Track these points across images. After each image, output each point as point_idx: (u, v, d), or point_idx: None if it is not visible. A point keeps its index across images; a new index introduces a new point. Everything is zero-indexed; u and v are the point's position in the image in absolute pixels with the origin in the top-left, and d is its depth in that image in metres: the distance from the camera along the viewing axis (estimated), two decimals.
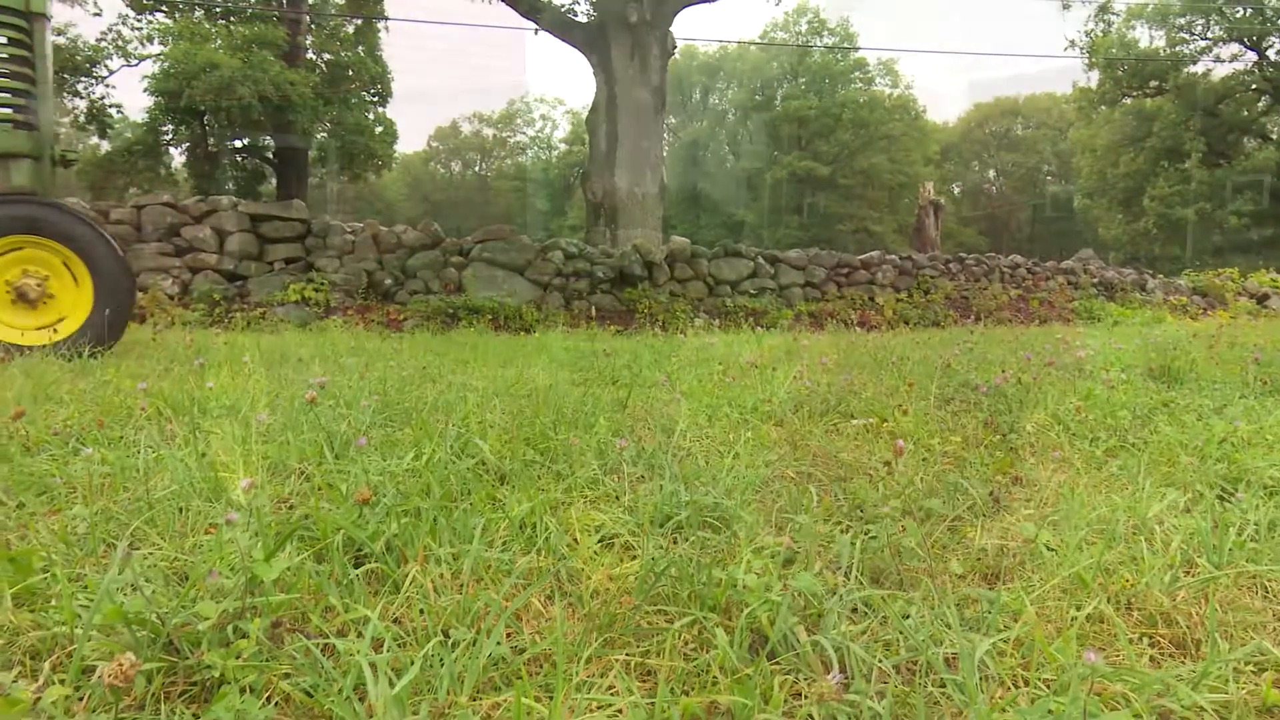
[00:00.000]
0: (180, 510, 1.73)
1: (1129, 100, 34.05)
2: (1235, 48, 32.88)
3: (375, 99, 23.85)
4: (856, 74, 49.00)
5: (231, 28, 19.11)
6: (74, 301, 4.72)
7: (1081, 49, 17.88)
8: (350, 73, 22.90)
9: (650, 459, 2.23)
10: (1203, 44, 33.41)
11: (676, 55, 15.93)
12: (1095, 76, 33.36)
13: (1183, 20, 33.40)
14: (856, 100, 47.30)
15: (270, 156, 22.29)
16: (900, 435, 2.90)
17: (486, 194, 54.93)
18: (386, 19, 22.79)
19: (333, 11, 24.03)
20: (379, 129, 23.56)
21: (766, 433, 2.83)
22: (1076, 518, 1.89)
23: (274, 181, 22.63)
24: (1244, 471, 2.37)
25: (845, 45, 47.00)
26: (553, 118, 64.93)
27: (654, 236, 13.91)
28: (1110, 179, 34.36)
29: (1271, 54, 32.16)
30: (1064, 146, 52.79)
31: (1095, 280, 15.53)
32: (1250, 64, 32.68)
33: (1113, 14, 17.04)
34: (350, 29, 24.02)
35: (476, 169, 58.07)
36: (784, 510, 1.86)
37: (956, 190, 60.29)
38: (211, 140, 21.27)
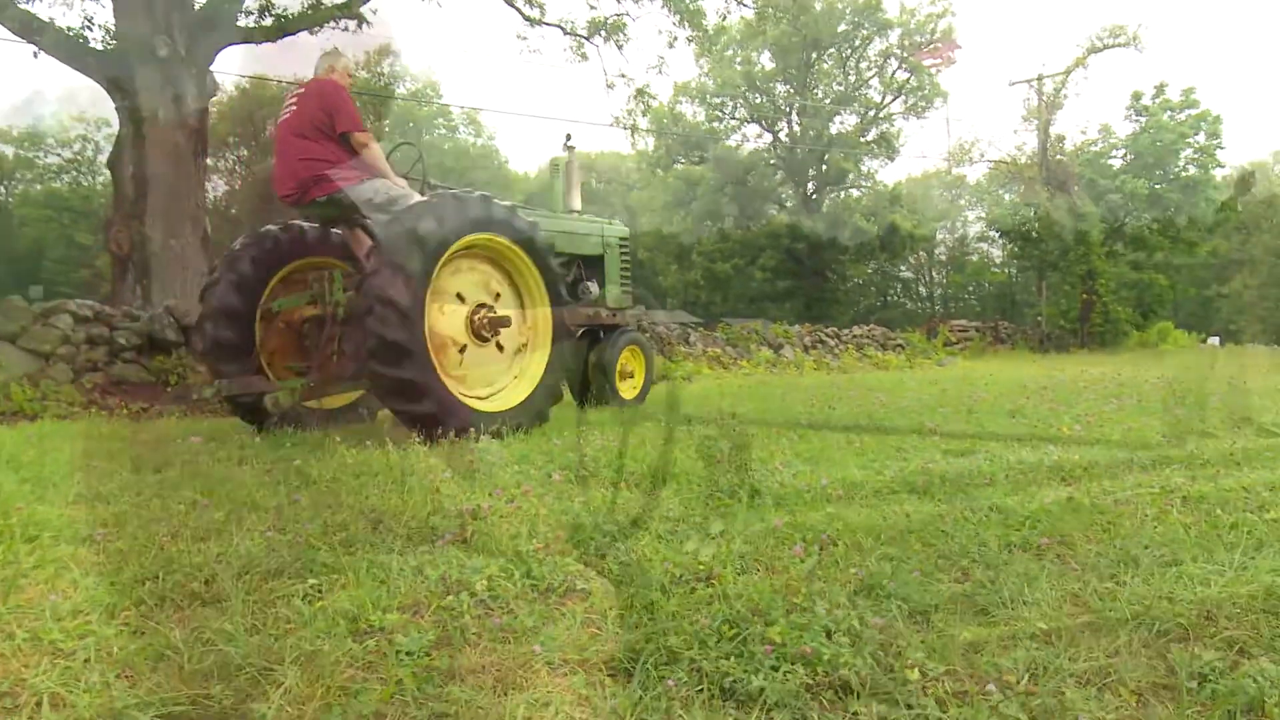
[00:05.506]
0: None
1: (680, 165, 38.60)
2: (757, 128, 39.02)
3: None
4: (440, 120, 49.59)
5: None
6: (639, 375, 8.16)
7: (624, 125, 19.75)
8: None
9: None
10: (733, 123, 39.17)
11: (222, 96, 14.55)
12: (653, 141, 37.38)
13: (717, 100, 38.86)
14: (441, 147, 47.82)
15: None
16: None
17: (9, 223, 45.68)
18: None
19: None
20: None
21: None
22: None
23: None
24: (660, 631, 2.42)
25: (431, 96, 47.30)
26: (95, 139, 56.19)
27: (195, 295, 12.45)
28: (666, 235, 38.67)
29: (782, 136, 38.65)
30: (631, 202, 58.35)
31: (648, 335, 17.03)
32: (769, 143, 38.98)
33: (650, 96, 19.04)
34: None
35: None
36: None
37: None
38: None
